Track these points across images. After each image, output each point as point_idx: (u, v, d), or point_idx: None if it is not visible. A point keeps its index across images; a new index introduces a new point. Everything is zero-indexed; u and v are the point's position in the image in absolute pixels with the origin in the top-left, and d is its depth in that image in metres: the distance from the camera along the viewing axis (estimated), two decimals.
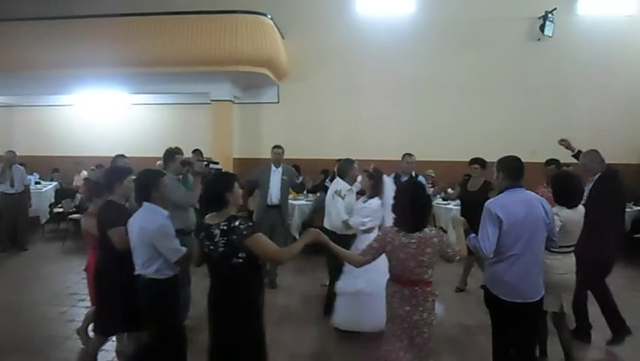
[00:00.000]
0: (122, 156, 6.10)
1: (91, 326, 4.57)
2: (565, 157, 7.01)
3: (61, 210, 10.07)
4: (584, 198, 4.45)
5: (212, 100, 10.50)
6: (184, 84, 10.25)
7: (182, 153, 5.56)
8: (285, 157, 7.34)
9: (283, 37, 10.90)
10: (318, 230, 3.37)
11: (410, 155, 7.26)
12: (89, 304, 5.61)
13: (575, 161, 6.18)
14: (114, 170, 4.05)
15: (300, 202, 8.76)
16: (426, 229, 3.24)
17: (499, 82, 10.91)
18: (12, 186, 8.69)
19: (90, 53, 9.57)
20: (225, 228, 3.04)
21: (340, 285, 4.98)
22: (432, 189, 7.86)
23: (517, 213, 3.37)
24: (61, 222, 10.09)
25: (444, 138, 10.83)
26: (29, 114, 12.54)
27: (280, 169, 7.09)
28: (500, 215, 3.35)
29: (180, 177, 5.42)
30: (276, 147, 7.26)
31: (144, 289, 3.52)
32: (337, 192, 5.50)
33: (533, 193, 3.58)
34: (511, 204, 3.40)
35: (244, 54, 9.68)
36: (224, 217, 3.09)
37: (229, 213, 3.13)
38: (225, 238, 3.02)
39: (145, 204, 3.56)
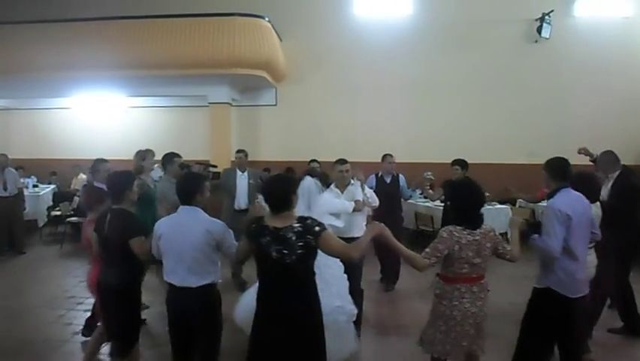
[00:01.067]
0: (104, 160, 5.75)
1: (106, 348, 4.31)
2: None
3: (59, 213, 10.05)
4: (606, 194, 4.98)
5: (209, 103, 10.50)
6: (182, 87, 10.24)
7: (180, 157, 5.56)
8: (281, 159, 7.34)
9: (281, 40, 10.91)
10: (382, 225, 3.15)
11: (391, 155, 7.30)
12: (87, 307, 5.61)
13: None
14: (121, 176, 3.83)
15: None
16: (483, 225, 3.32)
17: (497, 84, 10.94)
18: (5, 189, 8.64)
19: (88, 56, 9.55)
20: (301, 229, 2.87)
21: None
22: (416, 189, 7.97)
23: (580, 211, 3.50)
24: (59, 226, 10.07)
25: (442, 139, 10.85)
26: (27, 117, 12.52)
27: (246, 173, 7.01)
28: (570, 214, 3.41)
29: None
30: (239, 151, 7.23)
31: (202, 298, 3.22)
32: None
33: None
34: (575, 203, 3.50)
35: (242, 57, 9.69)
36: (291, 219, 2.94)
37: (293, 215, 2.98)
38: (302, 241, 2.84)
39: (186, 208, 3.30)
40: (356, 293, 4.67)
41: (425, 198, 9.41)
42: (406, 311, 6.03)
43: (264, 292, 3.01)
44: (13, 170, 8.98)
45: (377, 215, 6.16)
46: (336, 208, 4.96)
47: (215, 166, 5.96)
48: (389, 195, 6.70)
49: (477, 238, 3.23)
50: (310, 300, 2.97)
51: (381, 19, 11.21)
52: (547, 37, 10.57)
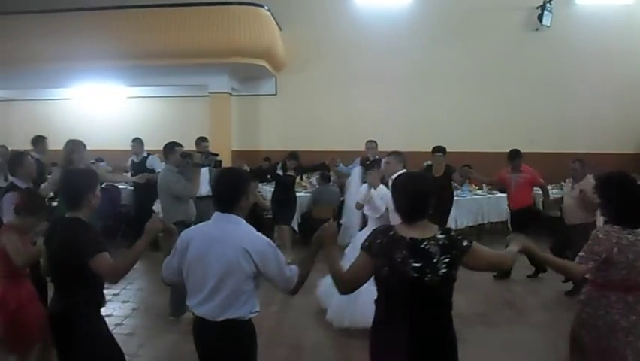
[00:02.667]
0: (81, 143, 5.43)
1: None
2: (563, 148, 7.05)
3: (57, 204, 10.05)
4: None
5: (209, 92, 10.47)
6: (181, 77, 10.21)
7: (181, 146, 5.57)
8: (281, 149, 7.36)
9: (281, 29, 10.86)
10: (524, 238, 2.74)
11: (371, 141, 7.38)
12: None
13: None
14: (81, 175, 3.04)
15: (299, 194, 8.74)
16: None
17: (498, 72, 10.89)
18: (6, 180, 8.63)
19: (87, 46, 9.51)
20: (447, 242, 2.35)
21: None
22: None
23: None
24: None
25: (442, 128, 10.80)
26: (26, 108, 12.49)
27: None
28: None
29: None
30: (201, 139, 7.32)
31: (225, 335, 2.52)
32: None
33: None
34: None
35: (241, 46, 9.65)
36: (433, 229, 2.40)
37: (431, 224, 2.44)
38: (448, 256, 2.32)
39: (222, 215, 2.60)
40: None
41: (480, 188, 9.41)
42: None
43: (392, 318, 2.42)
44: None
45: None
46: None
47: (216, 155, 5.96)
48: None
49: (639, 238, 2.83)
50: (452, 333, 2.46)
51: (381, 7, 11.14)
52: (548, 25, 10.50)
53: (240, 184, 2.65)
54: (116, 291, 6.21)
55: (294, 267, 2.63)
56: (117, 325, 5.17)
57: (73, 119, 12.15)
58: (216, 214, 2.61)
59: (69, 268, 2.68)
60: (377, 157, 7.45)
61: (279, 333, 4.93)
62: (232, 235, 2.52)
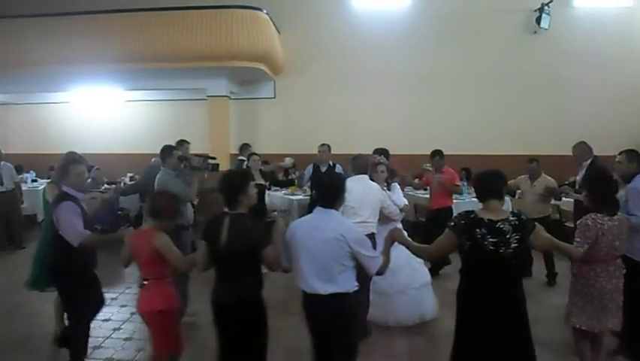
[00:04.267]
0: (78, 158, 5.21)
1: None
2: (561, 150, 7.07)
3: None
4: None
5: (208, 96, 10.49)
6: (180, 80, 10.23)
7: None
8: (280, 152, 7.32)
9: (279, 32, 10.87)
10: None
11: (324, 145, 7.30)
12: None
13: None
14: (236, 177, 3.39)
15: (298, 197, 8.72)
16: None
17: (496, 75, 10.91)
18: (1, 183, 8.61)
19: (85, 50, 9.53)
20: (517, 223, 2.95)
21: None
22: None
23: None
24: None
25: (441, 131, 10.82)
26: (25, 112, 12.49)
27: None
28: None
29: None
30: (182, 141, 6.54)
31: (331, 306, 3.09)
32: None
33: None
34: None
35: (240, 49, 9.66)
36: (506, 213, 3.02)
37: (502, 209, 3.06)
38: (518, 234, 2.91)
39: (321, 209, 3.21)
40: None
41: (425, 190, 9.40)
42: None
43: (475, 283, 3.03)
44: (9, 164, 8.91)
45: (314, 200, 6.45)
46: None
47: (214, 158, 5.95)
48: None
49: (616, 223, 3.67)
50: (522, 295, 3.04)
51: (380, 10, 11.17)
52: (547, 27, 10.53)
53: (339, 185, 3.29)
54: (114, 295, 6.19)
55: (378, 254, 3.24)
56: (115, 329, 5.15)
57: (71, 123, 12.17)
58: (317, 209, 3.24)
59: (245, 258, 3.11)
60: (331, 163, 7.26)
61: (278, 337, 4.89)
62: (331, 224, 3.11)
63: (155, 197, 3.76)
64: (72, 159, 4.22)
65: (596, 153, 6.71)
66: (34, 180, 10.70)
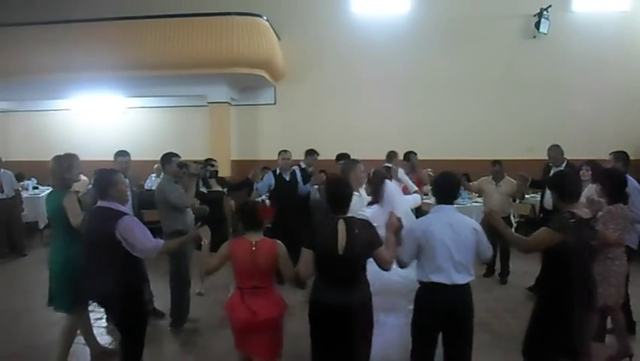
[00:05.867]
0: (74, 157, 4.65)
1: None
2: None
3: None
4: None
5: (209, 102, 10.50)
6: (181, 87, 10.25)
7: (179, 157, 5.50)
8: None
9: (279, 39, 10.90)
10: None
11: (286, 151, 7.26)
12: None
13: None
14: (342, 185, 3.48)
15: None
16: None
17: (495, 79, 10.94)
18: (1, 191, 8.62)
19: (86, 57, 9.55)
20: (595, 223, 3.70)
21: None
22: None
23: None
24: None
25: (441, 136, 10.86)
26: (26, 119, 12.52)
27: (127, 180, 5.78)
28: None
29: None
30: (122, 153, 6.28)
31: (467, 295, 3.40)
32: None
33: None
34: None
35: (240, 56, 9.69)
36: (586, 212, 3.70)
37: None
38: (596, 231, 3.58)
39: (447, 207, 3.46)
40: None
41: (426, 195, 9.41)
42: None
43: (576, 275, 3.32)
44: (9, 172, 8.93)
45: (278, 209, 6.79)
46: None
47: (214, 164, 5.98)
48: (289, 192, 6.98)
49: (627, 211, 4.30)
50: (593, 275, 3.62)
51: (379, 16, 11.21)
52: (546, 32, 10.56)
53: (455, 182, 3.59)
54: None
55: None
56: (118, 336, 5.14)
57: (72, 130, 12.20)
58: (440, 207, 3.45)
59: (362, 260, 3.30)
60: (294, 170, 7.23)
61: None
62: (462, 219, 3.41)
63: (249, 210, 3.61)
64: (112, 171, 3.82)
65: (594, 156, 6.87)
66: (35, 188, 10.72)
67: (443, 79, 11.01)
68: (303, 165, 7.65)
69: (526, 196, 9.75)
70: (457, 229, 3.32)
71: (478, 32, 10.91)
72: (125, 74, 9.77)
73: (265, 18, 10.19)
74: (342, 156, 7.23)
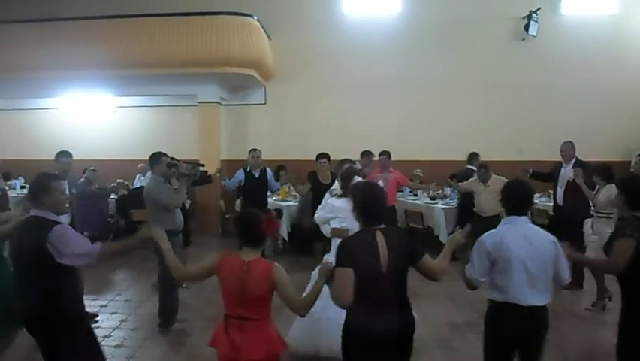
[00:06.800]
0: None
1: None
2: (550, 156, 7.19)
3: None
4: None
5: (199, 102, 10.48)
6: (170, 86, 10.21)
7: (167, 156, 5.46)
8: (271, 158, 7.36)
9: (270, 39, 10.89)
10: None
11: (255, 150, 7.36)
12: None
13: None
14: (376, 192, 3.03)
15: (289, 203, 8.74)
16: None
17: (485, 81, 10.99)
18: None
19: (75, 56, 9.49)
20: None
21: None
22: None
23: None
24: None
25: (431, 137, 10.91)
26: (13, 118, 12.37)
27: (66, 182, 5.46)
28: None
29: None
30: (64, 154, 5.71)
31: (545, 317, 3.01)
32: (329, 192, 5.02)
33: None
34: None
35: (231, 55, 9.67)
36: None
37: None
38: None
39: (518, 217, 3.04)
40: None
41: (415, 195, 9.46)
42: None
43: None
44: None
45: (246, 205, 6.92)
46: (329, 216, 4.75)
47: (202, 165, 5.95)
48: (257, 188, 7.17)
49: None
50: None
51: (370, 17, 11.23)
52: (535, 35, 10.64)
53: (530, 191, 3.18)
54: (104, 302, 6.15)
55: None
56: (105, 337, 5.11)
57: (60, 129, 12.07)
58: (512, 218, 3.03)
59: (405, 277, 2.83)
60: (264, 168, 7.38)
61: None
62: (538, 231, 3.03)
63: (246, 221, 2.93)
64: (51, 176, 3.38)
65: (584, 158, 6.89)
66: (22, 187, 10.62)
67: (433, 80, 11.04)
68: (359, 167, 7.65)
69: None
70: (534, 242, 2.93)
71: (468, 34, 10.97)
72: (114, 72, 9.72)
73: (256, 18, 10.18)
74: (322, 156, 7.35)
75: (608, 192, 5.47)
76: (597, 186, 5.93)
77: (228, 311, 2.82)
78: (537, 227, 3.11)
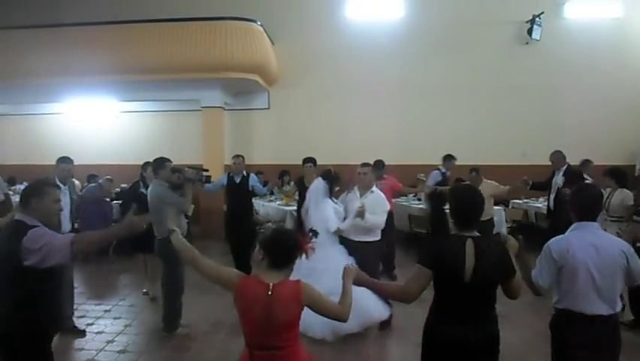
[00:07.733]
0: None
1: None
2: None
3: None
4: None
5: (202, 107, 10.49)
6: (174, 91, 10.24)
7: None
8: (274, 163, 7.34)
9: (273, 44, 10.92)
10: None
11: (238, 156, 7.35)
12: (81, 313, 5.59)
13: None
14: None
15: (292, 208, 8.73)
16: None
17: (489, 85, 10.99)
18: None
19: (80, 61, 9.52)
20: None
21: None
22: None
23: None
24: None
25: (434, 141, 10.87)
26: (19, 123, 12.43)
27: (67, 188, 5.55)
28: None
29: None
30: (64, 160, 5.68)
31: (614, 332, 2.89)
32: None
33: None
34: None
35: (234, 61, 9.70)
36: None
37: None
38: None
39: (586, 223, 2.91)
40: None
41: (419, 200, 9.45)
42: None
43: None
44: None
45: (227, 208, 7.27)
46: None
47: (207, 170, 5.95)
48: (239, 193, 7.15)
49: None
50: None
51: (373, 22, 11.25)
52: (538, 39, 10.65)
53: (602, 196, 3.17)
54: (107, 307, 6.14)
55: None
56: (109, 342, 5.11)
57: (65, 134, 12.12)
58: (581, 224, 2.91)
59: (492, 291, 2.68)
60: (246, 173, 7.32)
61: None
62: (609, 239, 2.90)
63: (284, 242, 2.51)
64: (49, 182, 3.20)
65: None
66: None
67: (436, 84, 11.05)
68: (442, 170, 8.07)
69: (519, 201, 9.82)
70: (602, 252, 2.81)
71: (471, 38, 10.97)
72: (118, 78, 9.75)
73: (259, 23, 10.21)
74: (308, 160, 7.42)
75: (621, 195, 5.72)
76: (608, 189, 5.83)
77: (250, 342, 2.45)
78: (608, 234, 3.02)
